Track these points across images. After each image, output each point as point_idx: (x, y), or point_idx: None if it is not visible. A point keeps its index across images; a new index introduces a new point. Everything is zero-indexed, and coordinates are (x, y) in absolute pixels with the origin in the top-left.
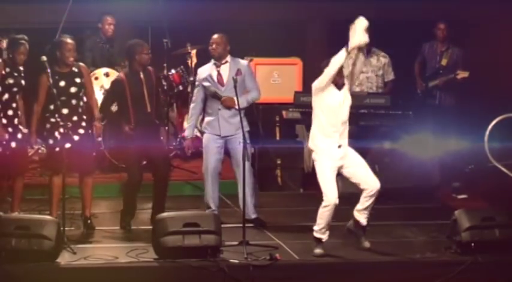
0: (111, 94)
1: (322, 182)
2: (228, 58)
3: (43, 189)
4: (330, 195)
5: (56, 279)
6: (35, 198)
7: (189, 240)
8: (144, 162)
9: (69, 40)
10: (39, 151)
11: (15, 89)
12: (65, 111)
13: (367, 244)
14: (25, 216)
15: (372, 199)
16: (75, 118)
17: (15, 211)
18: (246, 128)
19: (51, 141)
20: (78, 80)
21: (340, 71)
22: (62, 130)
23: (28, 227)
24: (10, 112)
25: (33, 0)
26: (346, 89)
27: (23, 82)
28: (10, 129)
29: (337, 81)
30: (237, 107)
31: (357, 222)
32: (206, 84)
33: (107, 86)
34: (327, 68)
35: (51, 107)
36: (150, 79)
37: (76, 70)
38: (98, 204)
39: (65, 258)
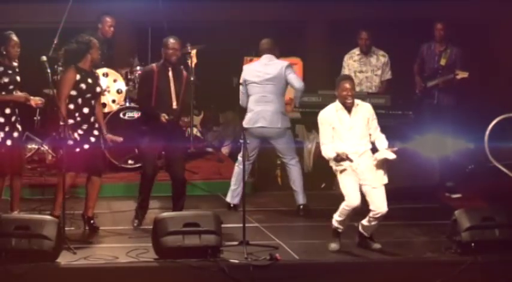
0: (140, 84)
1: (343, 187)
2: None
3: (43, 189)
4: (351, 198)
5: (56, 279)
6: (35, 198)
7: (189, 240)
8: (160, 162)
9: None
10: (39, 151)
11: (11, 87)
12: (85, 110)
13: (377, 246)
14: (25, 216)
15: (377, 221)
16: (92, 119)
17: (14, 210)
18: (289, 125)
19: (70, 142)
20: (100, 82)
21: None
22: (80, 131)
23: (28, 227)
24: (8, 110)
25: (33, 0)
26: (358, 108)
27: (18, 78)
28: (7, 128)
29: (344, 103)
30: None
31: (360, 233)
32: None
33: (106, 85)
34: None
35: (71, 106)
36: (180, 78)
37: (95, 73)
38: (98, 204)
39: (65, 258)
